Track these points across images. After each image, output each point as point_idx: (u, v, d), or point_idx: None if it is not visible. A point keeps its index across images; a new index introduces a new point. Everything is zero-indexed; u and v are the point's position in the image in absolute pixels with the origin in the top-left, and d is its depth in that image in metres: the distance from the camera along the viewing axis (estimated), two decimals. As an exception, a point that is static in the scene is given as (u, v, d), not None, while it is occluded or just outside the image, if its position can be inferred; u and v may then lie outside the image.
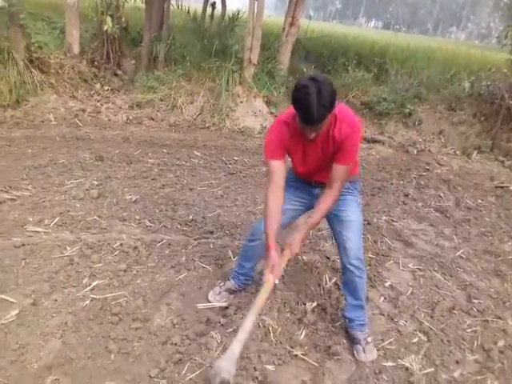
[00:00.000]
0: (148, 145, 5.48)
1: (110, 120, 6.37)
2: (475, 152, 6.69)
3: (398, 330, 2.72)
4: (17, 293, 2.59)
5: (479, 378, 2.42)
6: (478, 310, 3.02)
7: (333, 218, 2.44)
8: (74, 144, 5.13)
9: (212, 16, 9.02)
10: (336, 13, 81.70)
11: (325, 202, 2.23)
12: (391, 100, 7.55)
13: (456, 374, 2.42)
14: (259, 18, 6.86)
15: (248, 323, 1.97)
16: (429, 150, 6.76)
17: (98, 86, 7.30)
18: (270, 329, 2.49)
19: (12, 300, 2.52)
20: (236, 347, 1.93)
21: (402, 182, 5.39)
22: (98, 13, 7.12)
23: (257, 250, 2.59)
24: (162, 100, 6.84)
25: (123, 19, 7.63)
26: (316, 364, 2.35)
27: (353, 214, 2.40)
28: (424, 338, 2.68)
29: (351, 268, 2.38)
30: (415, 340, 2.65)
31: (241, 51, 7.18)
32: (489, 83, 7.05)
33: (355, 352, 2.46)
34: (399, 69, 8.53)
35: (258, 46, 6.95)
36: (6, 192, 3.72)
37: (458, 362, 2.52)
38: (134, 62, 8.06)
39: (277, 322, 2.58)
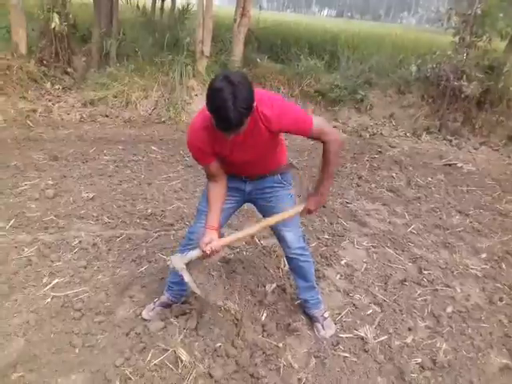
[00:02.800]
0: (103, 142, 5.44)
1: (62, 119, 6.27)
2: (424, 133, 6.98)
3: (354, 304, 2.87)
4: (-25, 296, 2.57)
5: (430, 342, 2.60)
6: (428, 281, 3.21)
7: (266, 213, 2.41)
8: (26, 145, 5.03)
9: (162, 9, 8.94)
10: (289, 2, 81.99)
11: (331, 155, 2.14)
12: (343, 87, 7.71)
13: (408, 340, 2.59)
14: (209, 10, 6.88)
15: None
16: (381, 133, 7.01)
17: (48, 85, 7.14)
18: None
19: (-30, 303, 2.51)
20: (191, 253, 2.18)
21: (355, 165, 5.57)
22: (44, 10, 6.97)
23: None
24: (115, 97, 6.77)
25: (70, 16, 7.50)
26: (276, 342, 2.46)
27: (286, 206, 2.37)
28: (378, 310, 2.84)
29: (295, 256, 2.46)
30: (369, 312, 2.81)
31: (192, 44, 7.17)
32: (434, 66, 7.31)
33: (315, 330, 2.57)
34: (350, 55, 8.71)
35: (210, 38, 6.97)
36: (-43, 197, 3.64)
37: (410, 329, 2.69)
38: (84, 59, 7.92)
39: (238, 305, 2.68)
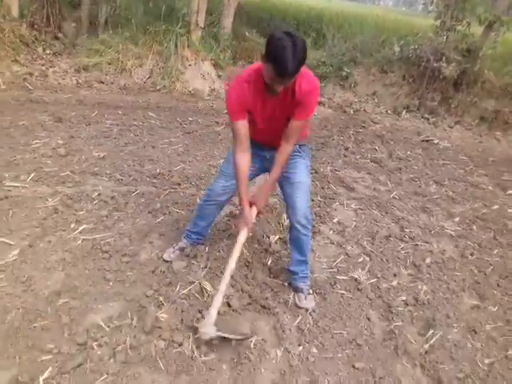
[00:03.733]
0: (103, 107, 5.64)
1: (59, 83, 6.39)
2: (404, 111, 7.43)
3: (346, 253, 3.28)
4: (13, 236, 2.85)
5: (412, 285, 3.04)
6: (409, 237, 3.65)
7: (283, 180, 2.54)
8: (30, 107, 5.20)
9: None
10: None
11: (282, 155, 2.32)
12: (329, 64, 8.08)
13: (394, 283, 3.02)
14: (205, -18, 7.05)
15: (227, 274, 2.26)
16: (364, 110, 7.41)
17: (40, 49, 7.20)
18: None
19: (10, 242, 2.79)
20: (213, 310, 2.21)
21: (341, 138, 5.97)
22: (36, -27, 6.98)
23: (212, 210, 2.76)
24: (109, 63, 6.90)
25: (63, -20, 7.53)
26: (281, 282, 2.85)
27: (302, 176, 2.52)
28: (367, 259, 3.26)
29: (298, 226, 2.53)
30: (360, 260, 3.23)
31: (188, 15, 7.33)
32: (416, 47, 7.70)
33: (297, 299, 2.68)
34: (335, 34, 9.03)
35: (205, 10, 7.16)
36: (-25, 152, 3.85)
37: (395, 275, 3.12)
38: (74, 25, 7.99)
39: (248, 251, 3.05)
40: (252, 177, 2.61)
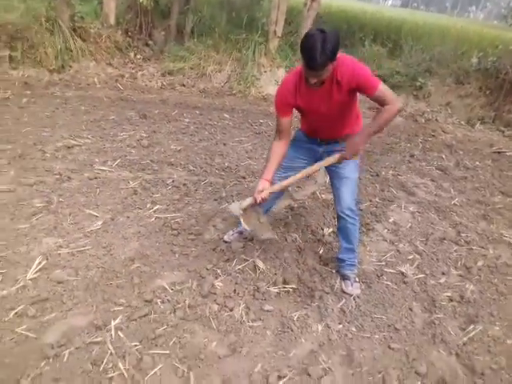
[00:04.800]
0: (183, 107, 6.14)
1: (146, 85, 7.03)
2: (478, 122, 7.29)
3: (398, 250, 3.41)
4: (98, 210, 3.31)
5: (460, 284, 3.10)
6: (464, 241, 3.68)
7: (333, 174, 2.74)
8: (119, 104, 5.81)
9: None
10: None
11: (385, 112, 2.32)
12: (404, 73, 8.10)
13: (441, 281, 3.11)
14: (284, -7, 7.41)
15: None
16: (436, 120, 7.36)
17: (131, 54, 7.93)
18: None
19: (96, 214, 3.24)
20: (248, 200, 2.62)
21: (409, 145, 6.02)
22: (133, -14, 7.71)
23: (269, 198, 2.78)
24: (191, 68, 7.46)
25: (156, -8, 8.23)
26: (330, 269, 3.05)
27: (350, 172, 2.69)
28: (418, 257, 3.36)
29: (343, 216, 2.73)
30: (410, 257, 3.34)
31: (266, 24, 7.73)
32: (495, 59, 7.54)
33: (343, 285, 2.85)
34: (414, 45, 9.00)
35: (283, 20, 7.51)
36: (73, 139, 4.42)
37: (443, 274, 3.20)
38: (163, 33, 8.67)
39: (302, 239, 3.29)
40: (301, 169, 2.70)
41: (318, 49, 2.04)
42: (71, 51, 6.96)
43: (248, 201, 2.64)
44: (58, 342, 2.15)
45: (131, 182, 3.79)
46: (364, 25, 10.43)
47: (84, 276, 2.64)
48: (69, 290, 2.51)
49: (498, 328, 2.69)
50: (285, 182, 2.64)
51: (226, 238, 3.19)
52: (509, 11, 7.39)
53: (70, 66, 7.00)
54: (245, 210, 2.68)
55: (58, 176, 3.69)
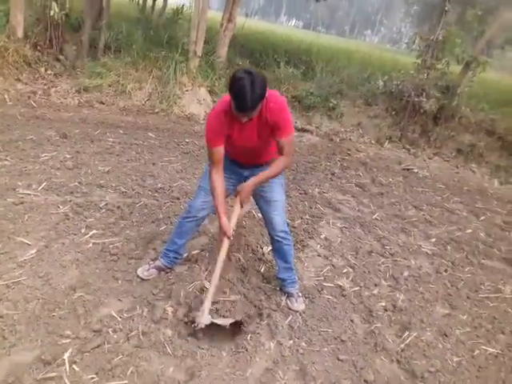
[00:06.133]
0: (105, 126, 5.95)
1: (62, 102, 6.70)
2: (387, 141, 7.92)
3: (332, 265, 3.60)
4: (29, 237, 3.12)
5: (391, 293, 3.36)
6: (389, 253, 3.99)
7: (260, 199, 2.81)
8: (36, 123, 5.49)
9: (153, 8, 9.47)
10: (258, 9, 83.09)
11: (278, 164, 2.53)
12: (317, 95, 8.54)
13: (375, 292, 3.35)
14: (204, 13, 7.51)
15: (215, 279, 2.49)
16: (349, 139, 7.88)
17: (42, 69, 7.51)
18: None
19: (28, 242, 3.05)
20: (207, 303, 2.47)
21: (328, 163, 6.37)
22: (42, -3, 7.34)
23: (190, 227, 2.93)
24: (109, 86, 7.25)
25: (67, 5, 7.90)
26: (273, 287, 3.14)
27: (278, 194, 2.78)
28: (351, 270, 3.58)
29: (278, 239, 2.85)
30: (345, 270, 3.55)
31: (187, 43, 7.77)
32: (398, 83, 8.26)
33: (289, 302, 2.97)
34: (324, 67, 9.57)
35: (203, 40, 7.61)
36: (-11, 161, 4.11)
37: (376, 285, 3.45)
38: (75, 47, 8.35)
39: (244, 258, 3.35)
40: (230, 192, 2.81)
41: (247, 92, 2.09)
42: (-25, 65, 6.47)
43: (209, 300, 2.51)
44: (4, 382, 2.01)
45: (61, 207, 3.61)
46: (277, 46, 10.88)
47: (24, 309, 2.48)
48: (9, 324, 2.36)
49: (429, 333, 2.96)
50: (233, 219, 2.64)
51: (139, 272, 2.99)
52: (410, 38, 8.06)
53: (-26, 82, 6.49)
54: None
55: (-22, 202, 3.41)
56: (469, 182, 6.88)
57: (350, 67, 9.91)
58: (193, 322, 2.46)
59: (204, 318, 2.43)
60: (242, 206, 2.66)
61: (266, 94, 2.23)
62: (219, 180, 2.53)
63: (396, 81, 8.37)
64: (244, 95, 2.09)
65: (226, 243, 2.56)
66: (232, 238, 2.58)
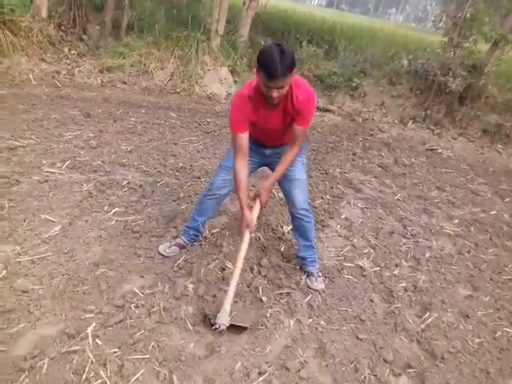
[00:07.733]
0: (127, 105, 6.00)
1: (85, 82, 6.77)
2: (410, 121, 7.77)
3: (353, 245, 3.59)
4: (54, 214, 3.18)
5: (412, 274, 3.34)
6: (411, 234, 3.95)
7: (281, 177, 2.73)
8: (60, 102, 5.57)
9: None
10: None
11: (289, 155, 2.57)
12: (340, 74, 8.40)
13: (395, 272, 3.33)
14: (226, -8, 7.44)
15: (236, 273, 2.48)
16: (372, 119, 7.76)
17: (66, 49, 7.57)
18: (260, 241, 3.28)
19: (52, 219, 3.12)
20: (227, 305, 2.46)
21: (350, 143, 6.30)
22: (65, -23, 7.36)
23: (211, 204, 2.96)
24: (132, 65, 7.28)
25: (90, -17, 7.93)
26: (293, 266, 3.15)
27: (299, 173, 2.78)
28: (372, 251, 3.56)
29: (299, 216, 2.85)
30: (365, 251, 3.53)
31: (209, 23, 7.71)
32: (424, 61, 8.05)
33: (308, 281, 2.97)
34: (347, 46, 9.38)
35: (225, 19, 7.53)
36: (15, 140, 4.19)
37: (396, 266, 3.43)
38: (98, 27, 8.37)
39: (264, 237, 3.37)
40: (252, 171, 2.83)
41: (277, 59, 2.09)
42: (1, 46, 6.55)
43: (228, 302, 2.46)
44: (30, 354, 2.07)
45: (85, 185, 3.67)
46: (299, 25, 10.68)
47: (49, 284, 2.55)
48: (34, 299, 2.42)
49: (450, 314, 2.93)
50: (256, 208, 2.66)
51: (161, 249, 3.04)
52: (437, 16, 7.82)
53: (1, 62, 6.58)
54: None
55: (5, 180, 3.49)
56: (494, 162, 6.74)
57: (373, 46, 9.68)
58: (213, 324, 2.42)
59: (225, 319, 2.41)
60: (261, 207, 2.70)
61: (293, 80, 2.26)
62: (243, 170, 2.49)
63: (421, 60, 8.15)
64: (274, 61, 2.10)
65: (247, 237, 2.56)
66: (253, 234, 2.56)
